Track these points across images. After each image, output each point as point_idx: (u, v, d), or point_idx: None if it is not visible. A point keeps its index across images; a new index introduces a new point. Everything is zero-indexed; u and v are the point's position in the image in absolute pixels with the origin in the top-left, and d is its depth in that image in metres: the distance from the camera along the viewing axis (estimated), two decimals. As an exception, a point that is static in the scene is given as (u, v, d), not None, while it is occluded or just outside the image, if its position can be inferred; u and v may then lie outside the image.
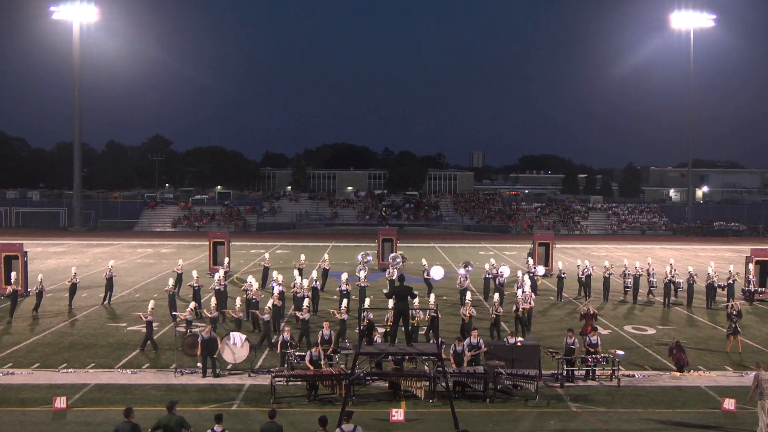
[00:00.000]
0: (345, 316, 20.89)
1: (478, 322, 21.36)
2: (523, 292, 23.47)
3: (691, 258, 41.31)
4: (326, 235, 61.57)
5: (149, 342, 20.33)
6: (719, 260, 44.27)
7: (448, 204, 76.13)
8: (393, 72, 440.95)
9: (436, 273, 27.23)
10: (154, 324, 20.78)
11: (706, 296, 28.03)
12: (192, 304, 22.34)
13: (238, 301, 22.00)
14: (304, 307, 20.81)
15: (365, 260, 29.12)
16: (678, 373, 18.70)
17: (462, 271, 26.92)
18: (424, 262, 30.62)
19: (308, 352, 17.16)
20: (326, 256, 32.45)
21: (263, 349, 20.12)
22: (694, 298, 27.88)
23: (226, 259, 32.60)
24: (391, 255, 31.29)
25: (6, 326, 23.16)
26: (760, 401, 14.63)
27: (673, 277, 28.41)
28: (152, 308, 20.81)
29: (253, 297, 23.23)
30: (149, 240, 55.37)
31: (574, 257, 38.28)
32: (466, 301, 21.86)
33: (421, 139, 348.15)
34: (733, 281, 27.69)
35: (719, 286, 27.90)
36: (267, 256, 33.68)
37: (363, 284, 26.19)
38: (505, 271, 29.10)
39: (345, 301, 23.07)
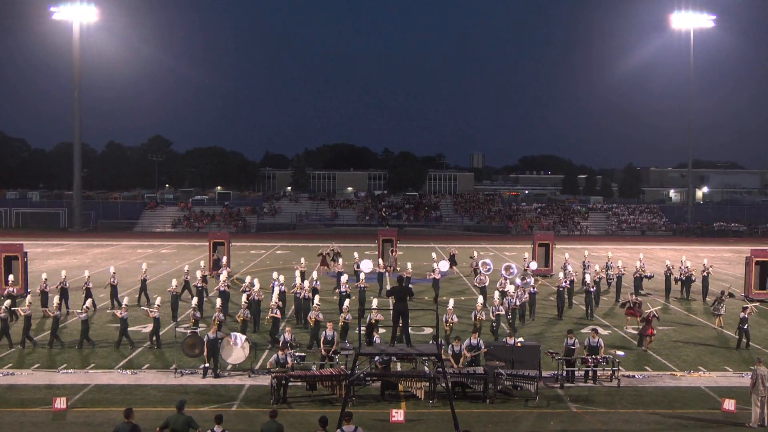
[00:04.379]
0: (348, 317, 20.69)
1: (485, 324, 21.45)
2: (515, 289, 23.55)
3: (690, 258, 41.21)
4: (326, 235, 61.50)
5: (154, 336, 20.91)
6: (718, 260, 44.36)
7: (448, 204, 76.14)
8: (393, 72, 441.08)
9: (366, 266, 28.76)
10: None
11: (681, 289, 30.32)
12: (193, 302, 22.42)
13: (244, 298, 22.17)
14: (315, 305, 20.93)
15: (486, 269, 29.02)
16: (679, 373, 18.74)
17: (519, 282, 26.17)
18: (355, 255, 30.82)
19: (275, 354, 17.05)
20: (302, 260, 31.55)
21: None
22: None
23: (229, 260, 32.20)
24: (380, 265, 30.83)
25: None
26: (754, 395, 15.00)
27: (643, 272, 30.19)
28: (158, 305, 21.35)
29: (255, 297, 23.23)
30: (149, 240, 55.38)
31: (575, 258, 38.25)
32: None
33: (421, 139, 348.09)
34: (707, 274, 29.75)
35: (692, 280, 30.25)
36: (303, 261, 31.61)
37: (362, 285, 26.16)
38: (443, 266, 29.86)
39: (347, 301, 22.91)
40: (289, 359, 16.88)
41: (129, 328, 21.30)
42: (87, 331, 20.84)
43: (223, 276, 25.59)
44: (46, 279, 25.79)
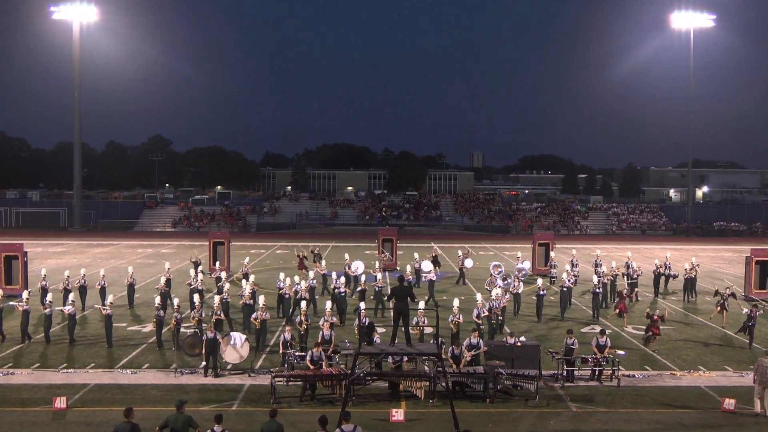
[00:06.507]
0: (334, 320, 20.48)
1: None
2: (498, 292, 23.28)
3: (689, 258, 41.24)
4: (326, 235, 61.52)
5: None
6: (719, 260, 44.37)
7: (448, 204, 76.14)
8: (393, 72, 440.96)
9: (356, 267, 28.66)
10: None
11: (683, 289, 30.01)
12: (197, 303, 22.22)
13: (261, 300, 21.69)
14: (302, 309, 20.66)
15: (497, 272, 28.63)
16: (679, 372, 18.74)
17: (500, 282, 25.76)
18: (346, 256, 30.98)
19: (309, 352, 17.10)
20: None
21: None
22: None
23: (246, 259, 31.79)
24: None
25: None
26: (758, 386, 15.21)
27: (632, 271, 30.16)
28: (111, 303, 21.20)
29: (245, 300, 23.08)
30: (149, 240, 55.36)
31: (567, 255, 38.22)
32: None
33: (421, 139, 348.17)
34: (695, 273, 30.08)
35: (673, 276, 31.27)
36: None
37: (364, 287, 26.12)
38: (426, 265, 29.89)
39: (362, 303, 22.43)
40: (323, 356, 16.91)
41: (129, 328, 21.32)
42: (111, 328, 20.84)
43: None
44: (84, 275, 26.57)
